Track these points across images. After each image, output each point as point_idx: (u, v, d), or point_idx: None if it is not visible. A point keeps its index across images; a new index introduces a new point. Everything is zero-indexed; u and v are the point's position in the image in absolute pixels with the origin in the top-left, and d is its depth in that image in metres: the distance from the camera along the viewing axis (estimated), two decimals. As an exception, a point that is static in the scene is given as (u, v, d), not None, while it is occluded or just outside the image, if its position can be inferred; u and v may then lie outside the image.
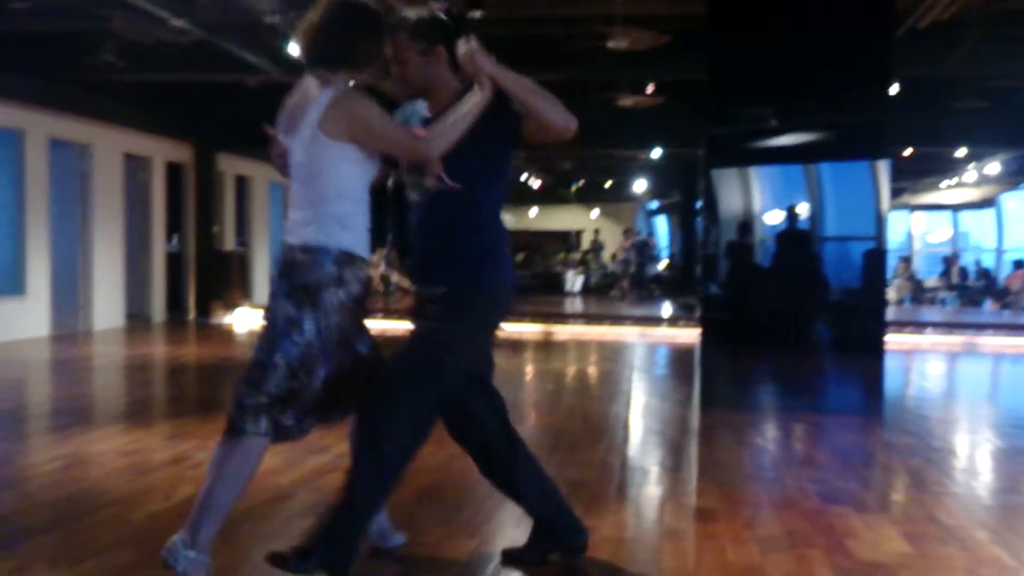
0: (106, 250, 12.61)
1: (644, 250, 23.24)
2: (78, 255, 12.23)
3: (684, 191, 22.23)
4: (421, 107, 3.24)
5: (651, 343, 12.58)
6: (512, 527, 3.87)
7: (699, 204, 18.06)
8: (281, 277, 3.04)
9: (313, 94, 3.05)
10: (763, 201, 8.15)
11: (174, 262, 14.58)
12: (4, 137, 10.87)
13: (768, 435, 6.29)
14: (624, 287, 23.50)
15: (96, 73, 10.82)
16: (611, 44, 10.08)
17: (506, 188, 3.33)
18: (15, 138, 11.00)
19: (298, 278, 2.99)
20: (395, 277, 23.03)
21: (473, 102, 3.03)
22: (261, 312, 3.12)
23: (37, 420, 6.35)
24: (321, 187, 3.02)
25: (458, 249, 3.21)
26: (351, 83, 3.12)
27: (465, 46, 3.04)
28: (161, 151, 14.02)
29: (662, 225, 30.71)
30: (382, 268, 22.79)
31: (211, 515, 2.97)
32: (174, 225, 14.79)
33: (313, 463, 4.83)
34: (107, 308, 12.65)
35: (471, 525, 3.83)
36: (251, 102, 11.06)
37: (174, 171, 14.49)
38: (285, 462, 4.82)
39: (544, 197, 27.53)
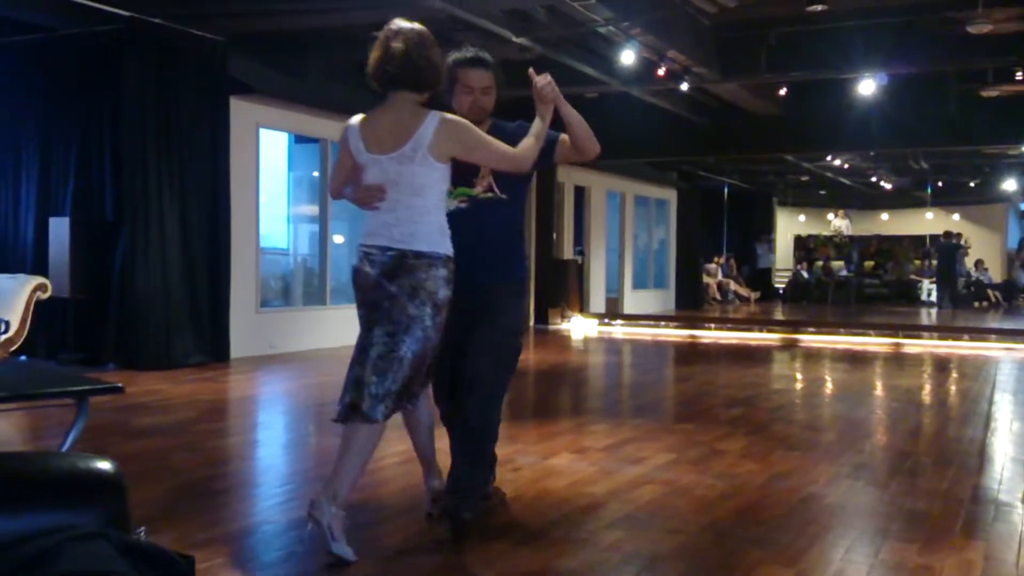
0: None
1: (952, 253, 20.78)
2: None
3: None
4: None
5: (1020, 360, 11.26)
6: (839, 555, 3.56)
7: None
8: (389, 278, 3.44)
9: (407, 115, 3.47)
10: None
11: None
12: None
13: None
14: (994, 298, 21.41)
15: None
16: (971, 28, 9.18)
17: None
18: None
19: (416, 281, 3.42)
20: (733, 286, 22.54)
21: (542, 126, 3.64)
22: (366, 306, 3.53)
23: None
24: (425, 200, 3.49)
25: (512, 247, 3.96)
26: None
27: (544, 78, 3.65)
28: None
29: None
30: (719, 277, 22.40)
31: (344, 480, 3.45)
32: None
33: (629, 474, 4.76)
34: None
35: (791, 551, 3.57)
36: (588, 113, 11.30)
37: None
38: (600, 471, 4.81)
39: (897, 200, 25.67)
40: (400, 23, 3.51)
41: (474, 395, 3.71)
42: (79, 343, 8.86)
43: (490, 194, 3.82)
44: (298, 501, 4.24)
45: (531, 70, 3.73)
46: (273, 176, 11.69)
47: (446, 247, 3.51)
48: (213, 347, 9.22)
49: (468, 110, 3.78)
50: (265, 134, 10.50)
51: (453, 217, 3.68)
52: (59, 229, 8.61)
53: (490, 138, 3.55)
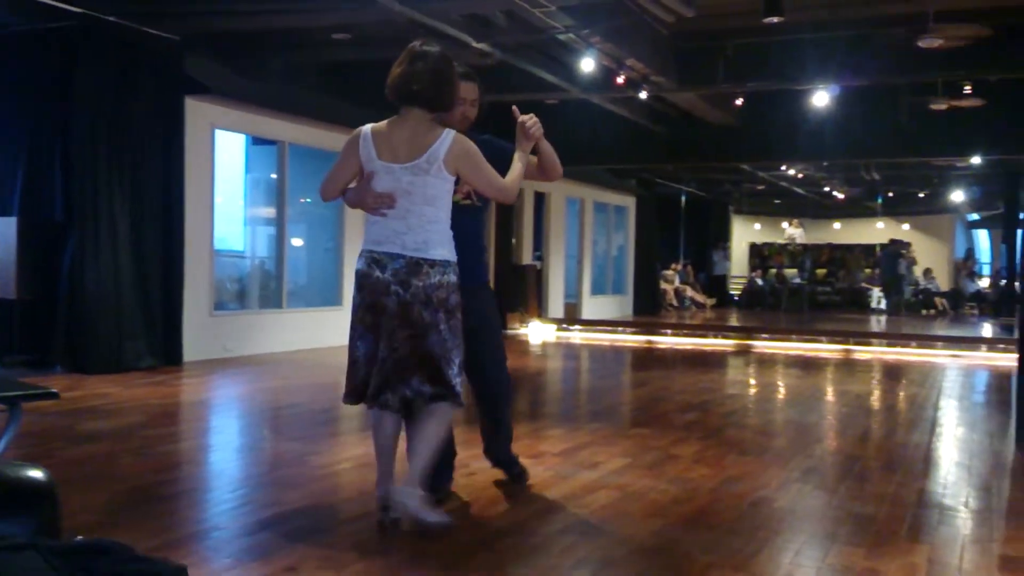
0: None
1: (895, 260, 21.38)
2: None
3: (1009, 201, 20.19)
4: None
5: (965, 367, 11.48)
6: (788, 559, 3.61)
7: (1028, 215, 16.39)
8: (404, 286, 3.66)
9: (423, 129, 3.69)
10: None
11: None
12: (327, 159, 11.84)
13: (1103, 478, 5.48)
14: (941, 305, 21.88)
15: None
16: (922, 43, 9.36)
17: None
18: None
19: (431, 288, 3.67)
20: (689, 292, 22.72)
21: (525, 157, 3.94)
22: (372, 310, 3.73)
23: (338, 422, 6.82)
24: (436, 211, 3.72)
25: (482, 251, 4.42)
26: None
27: (530, 118, 3.94)
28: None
29: (984, 239, 28.12)
30: (676, 283, 22.56)
31: (419, 463, 3.81)
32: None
33: (583, 479, 4.78)
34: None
35: (741, 555, 3.60)
36: (547, 120, 11.33)
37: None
38: (555, 476, 4.82)
39: (848, 209, 26.10)
40: (427, 46, 3.78)
41: (489, 382, 4.36)
42: (26, 345, 8.68)
43: (468, 201, 4.12)
44: (251, 506, 4.21)
45: (515, 108, 3.97)
46: (230, 178, 11.57)
47: (454, 254, 3.78)
48: (165, 350, 9.10)
49: (457, 120, 3.97)
50: (221, 135, 10.39)
51: None
52: (5, 229, 8.44)
53: (488, 165, 3.77)
